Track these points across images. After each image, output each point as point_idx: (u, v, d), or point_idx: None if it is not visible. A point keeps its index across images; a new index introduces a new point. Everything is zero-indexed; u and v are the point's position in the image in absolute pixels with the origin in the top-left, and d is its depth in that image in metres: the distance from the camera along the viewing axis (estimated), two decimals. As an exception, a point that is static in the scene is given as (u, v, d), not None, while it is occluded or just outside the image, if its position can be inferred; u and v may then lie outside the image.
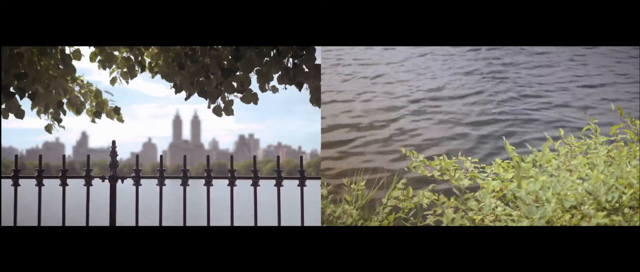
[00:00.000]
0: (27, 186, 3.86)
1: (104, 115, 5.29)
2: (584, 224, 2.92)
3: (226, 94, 4.63)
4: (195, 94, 4.66)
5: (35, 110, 4.84)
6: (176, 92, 4.65)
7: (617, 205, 3.07)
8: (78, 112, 5.07)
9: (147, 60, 4.85)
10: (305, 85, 4.47)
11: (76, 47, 4.72)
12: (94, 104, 5.19)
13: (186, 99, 4.66)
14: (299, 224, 3.67)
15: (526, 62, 11.54)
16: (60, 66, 4.69)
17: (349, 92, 9.53)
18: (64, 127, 5.01)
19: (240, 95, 4.59)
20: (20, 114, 4.60)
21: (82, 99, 5.11)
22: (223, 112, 4.70)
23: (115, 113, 5.26)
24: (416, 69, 11.13)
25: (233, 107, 4.72)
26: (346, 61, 11.60)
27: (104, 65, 4.83)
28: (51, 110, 4.88)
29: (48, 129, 5.00)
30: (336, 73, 10.72)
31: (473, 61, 11.70)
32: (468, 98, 9.30)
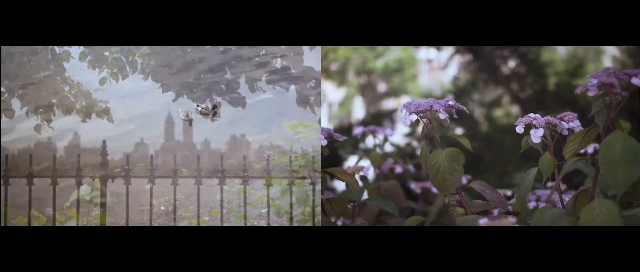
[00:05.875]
0: (18, 185, 3.83)
1: (94, 115, 5.24)
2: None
3: (214, 96, 4.60)
4: (184, 97, 4.64)
5: (24, 110, 4.78)
6: (164, 92, 4.62)
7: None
8: (68, 112, 5.02)
9: (139, 61, 4.80)
10: (293, 87, 4.45)
11: (66, 48, 4.67)
12: (83, 104, 5.15)
13: (174, 100, 4.63)
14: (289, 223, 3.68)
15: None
16: (51, 66, 4.65)
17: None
18: (52, 128, 4.95)
19: (227, 97, 4.57)
20: None
21: (72, 99, 5.06)
22: (210, 116, 4.67)
23: (105, 113, 5.21)
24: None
25: (222, 109, 4.70)
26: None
27: (93, 65, 4.79)
28: (41, 110, 4.83)
29: (37, 129, 4.93)
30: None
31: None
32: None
